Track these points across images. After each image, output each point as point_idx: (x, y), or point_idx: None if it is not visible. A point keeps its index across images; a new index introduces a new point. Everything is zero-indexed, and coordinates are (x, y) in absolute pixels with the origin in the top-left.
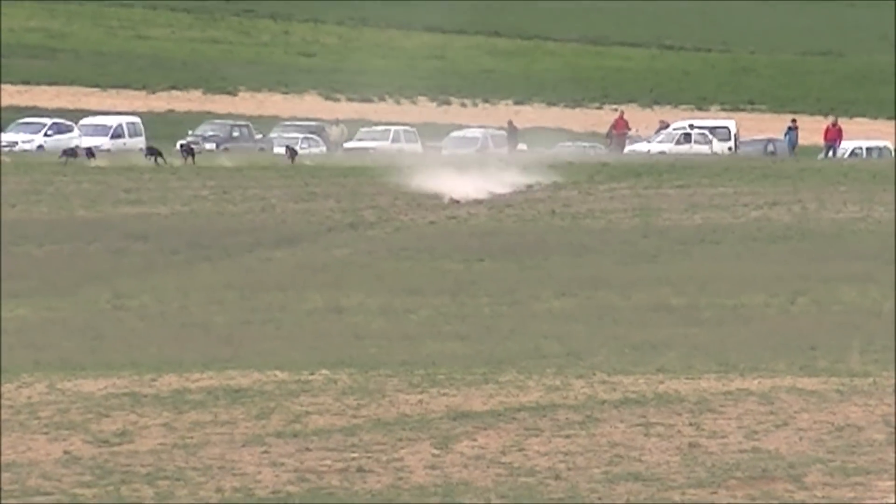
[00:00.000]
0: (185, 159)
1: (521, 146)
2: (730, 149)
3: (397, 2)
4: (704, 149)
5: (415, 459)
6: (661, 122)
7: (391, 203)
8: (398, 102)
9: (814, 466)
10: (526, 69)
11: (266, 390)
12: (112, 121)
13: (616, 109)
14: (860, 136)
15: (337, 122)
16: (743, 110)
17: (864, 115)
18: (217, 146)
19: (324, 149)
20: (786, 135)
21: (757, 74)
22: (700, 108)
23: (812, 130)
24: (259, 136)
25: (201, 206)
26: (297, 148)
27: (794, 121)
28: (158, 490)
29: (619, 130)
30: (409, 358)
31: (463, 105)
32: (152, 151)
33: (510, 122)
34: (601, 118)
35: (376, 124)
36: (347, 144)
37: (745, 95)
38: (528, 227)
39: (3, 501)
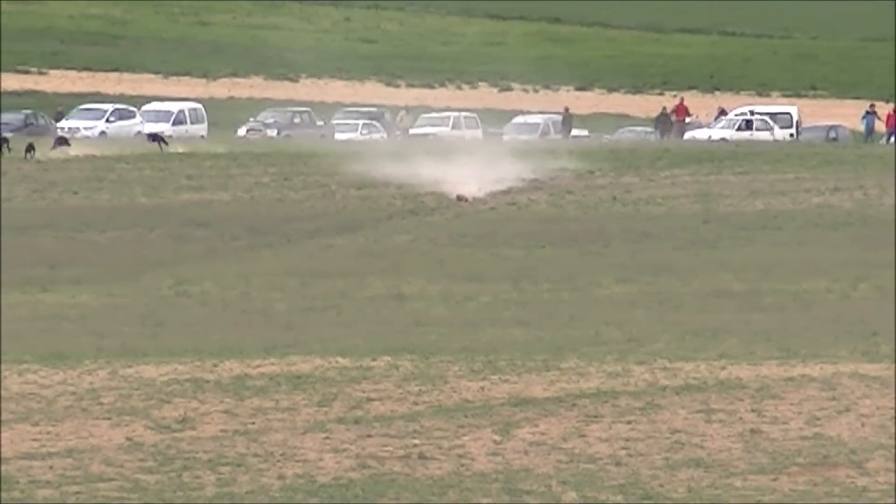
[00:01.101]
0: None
1: (582, 132)
2: (791, 135)
3: None
4: (766, 135)
5: (476, 446)
6: (720, 108)
7: (451, 189)
8: (459, 88)
9: (876, 452)
10: (586, 56)
11: (328, 377)
12: (174, 107)
13: (676, 96)
14: None
15: (407, 109)
16: (804, 96)
17: None
18: (278, 132)
19: (384, 135)
20: (863, 119)
21: (818, 60)
22: (761, 95)
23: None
24: (320, 123)
25: (262, 193)
26: (165, 136)
27: (872, 105)
28: (220, 476)
29: (680, 117)
30: (469, 344)
31: (524, 91)
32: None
33: (566, 109)
34: (661, 105)
35: (437, 110)
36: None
37: (806, 81)
38: (589, 213)
39: (64, 487)
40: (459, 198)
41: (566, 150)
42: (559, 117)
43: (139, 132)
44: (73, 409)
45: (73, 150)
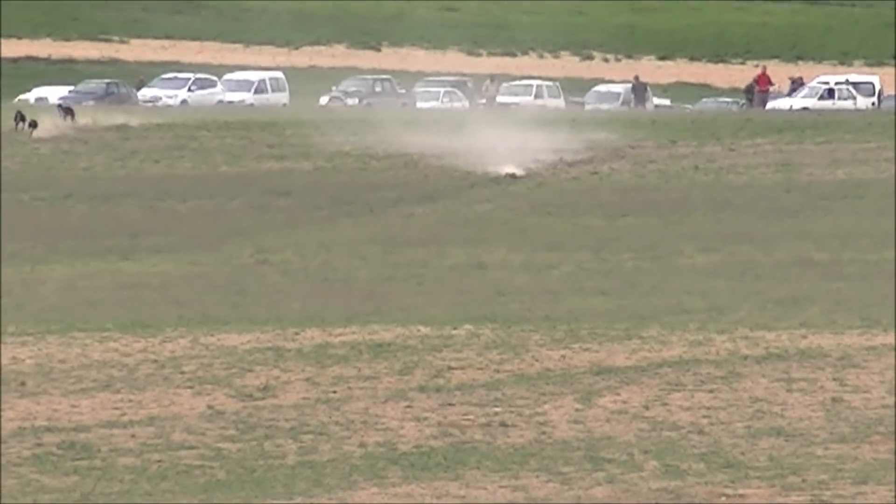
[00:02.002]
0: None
1: (664, 101)
2: (873, 104)
3: None
4: (848, 104)
5: (558, 414)
6: (792, 78)
7: (533, 158)
8: (541, 57)
9: None
10: (668, 25)
11: (409, 345)
12: (255, 76)
13: (758, 65)
14: None
15: (492, 78)
16: (887, 65)
17: None
18: (359, 101)
19: (466, 103)
20: None
21: None
22: (843, 64)
23: None
24: (402, 91)
25: (344, 162)
26: (73, 107)
27: None
28: (302, 444)
29: (762, 87)
30: (551, 313)
31: (605, 60)
32: (66, 110)
33: (636, 78)
34: (744, 74)
35: (519, 79)
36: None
37: (888, 50)
38: (672, 182)
39: (146, 455)
40: (509, 175)
41: (649, 120)
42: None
43: (220, 101)
44: (154, 377)
45: (157, 118)
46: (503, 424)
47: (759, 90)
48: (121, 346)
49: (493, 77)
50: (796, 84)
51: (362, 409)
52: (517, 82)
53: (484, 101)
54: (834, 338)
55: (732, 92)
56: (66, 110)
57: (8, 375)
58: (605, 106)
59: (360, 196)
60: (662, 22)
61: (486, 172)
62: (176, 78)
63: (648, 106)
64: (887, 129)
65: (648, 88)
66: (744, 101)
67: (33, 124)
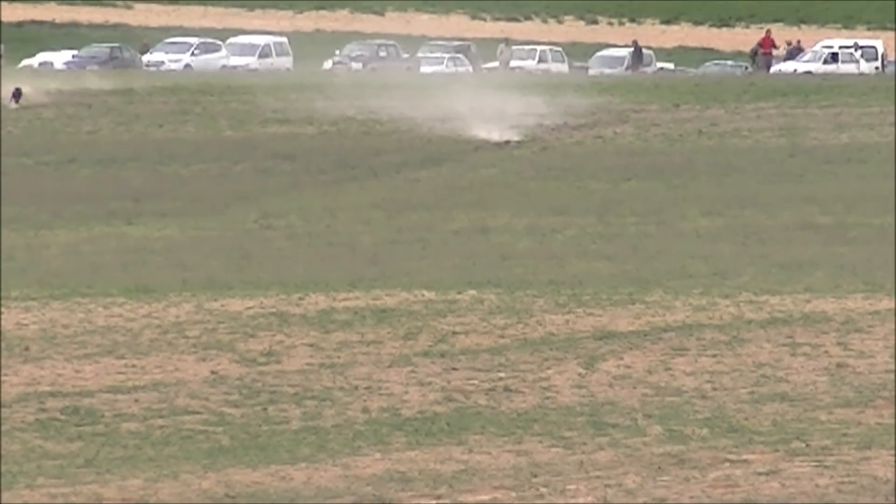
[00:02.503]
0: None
1: (668, 65)
2: (877, 68)
3: None
4: (851, 68)
5: (561, 379)
6: (788, 42)
7: (537, 123)
8: (545, 22)
9: None
10: None
11: (413, 310)
12: (260, 40)
13: (762, 28)
14: None
15: (507, 42)
16: (889, 30)
17: None
18: (364, 66)
19: (469, 68)
20: None
21: None
22: (847, 28)
23: None
24: (405, 56)
25: (348, 126)
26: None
27: None
28: (305, 410)
29: (766, 49)
30: (555, 278)
31: (610, 24)
32: (16, 94)
33: (635, 42)
34: (748, 37)
35: (522, 44)
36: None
37: (891, 14)
38: (675, 146)
39: (149, 421)
40: (505, 142)
41: (652, 84)
42: (646, 51)
43: (224, 65)
44: (158, 342)
45: (160, 82)
46: (507, 389)
47: (762, 52)
48: (125, 311)
49: (507, 41)
50: (793, 48)
51: (366, 375)
52: (521, 47)
53: (498, 65)
54: (838, 302)
55: (736, 56)
56: (15, 94)
57: (12, 341)
58: (608, 70)
59: (364, 160)
60: None
61: (520, 129)
62: (180, 42)
63: (649, 70)
64: (891, 94)
65: (652, 53)
66: (748, 65)
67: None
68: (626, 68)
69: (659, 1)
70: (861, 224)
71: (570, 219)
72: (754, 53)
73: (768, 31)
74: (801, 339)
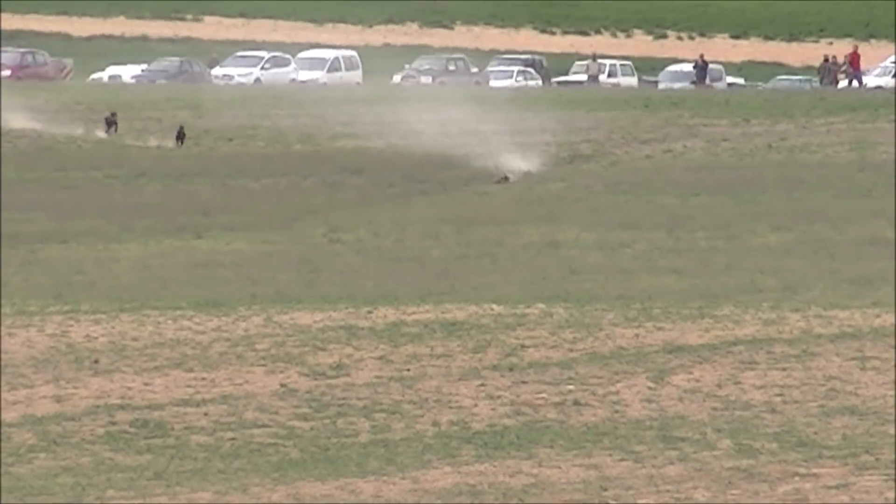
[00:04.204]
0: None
1: (738, 80)
2: None
3: None
4: None
5: (630, 393)
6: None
7: (607, 137)
8: (614, 36)
9: None
10: (742, 4)
11: (482, 324)
12: (329, 54)
13: (831, 43)
14: None
15: (594, 57)
16: None
17: None
18: (433, 79)
19: (539, 82)
20: None
21: None
22: None
23: None
24: (475, 70)
25: (417, 140)
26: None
27: None
28: (374, 423)
29: (855, 67)
30: (624, 292)
31: (679, 39)
32: (109, 122)
33: (701, 56)
34: (817, 52)
35: (589, 58)
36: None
37: None
38: (745, 161)
39: (219, 433)
40: (504, 178)
41: (722, 99)
42: (715, 66)
43: (293, 79)
44: (227, 355)
45: (230, 96)
46: (576, 403)
47: (852, 70)
48: (194, 324)
49: (594, 56)
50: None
51: (435, 388)
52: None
53: (586, 79)
54: None
55: (805, 70)
56: (109, 121)
57: (82, 353)
58: (678, 85)
59: (433, 174)
60: (735, 1)
61: (590, 143)
62: (250, 56)
63: (719, 85)
64: None
65: (721, 68)
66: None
67: (111, 121)
68: (692, 83)
69: (728, 15)
70: None
71: (640, 233)
72: (822, 69)
73: (855, 47)
74: (870, 352)
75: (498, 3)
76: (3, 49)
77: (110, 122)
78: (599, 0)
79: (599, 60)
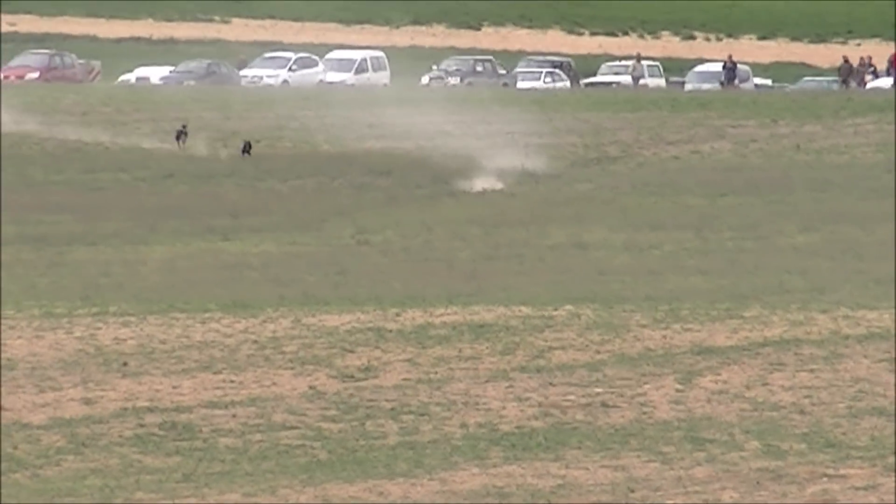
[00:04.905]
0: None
1: (766, 81)
2: None
3: None
4: None
5: (658, 394)
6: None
7: (634, 138)
8: (641, 37)
9: None
10: (769, 5)
11: (510, 325)
12: (356, 55)
13: (859, 45)
14: None
15: (638, 58)
16: None
17: None
18: (461, 80)
19: (567, 84)
20: None
21: None
22: None
23: None
24: (502, 71)
25: (445, 142)
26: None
27: None
28: (403, 425)
29: None
30: (652, 293)
31: (707, 39)
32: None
33: (729, 57)
34: (845, 53)
35: (618, 59)
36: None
37: None
38: (772, 162)
39: (247, 436)
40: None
41: (749, 100)
42: (742, 66)
43: (321, 81)
44: (255, 357)
45: (257, 97)
46: (604, 405)
47: (895, 71)
48: (222, 326)
49: (638, 56)
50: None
51: (463, 390)
52: (616, 63)
53: (631, 81)
54: None
55: (833, 71)
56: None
57: (110, 356)
58: (705, 86)
59: (460, 175)
60: (762, 1)
61: (618, 144)
62: (277, 58)
63: (746, 86)
64: None
65: (748, 69)
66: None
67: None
68: (719, 84)
69: (756, 16)
70: None
71: (667, 234)
72: (841, 70)
73: None
74: None
75: (525, 3)
76: (31, 51)
77: (180, 133)
78: (627, 1)
79: (621, 62)
